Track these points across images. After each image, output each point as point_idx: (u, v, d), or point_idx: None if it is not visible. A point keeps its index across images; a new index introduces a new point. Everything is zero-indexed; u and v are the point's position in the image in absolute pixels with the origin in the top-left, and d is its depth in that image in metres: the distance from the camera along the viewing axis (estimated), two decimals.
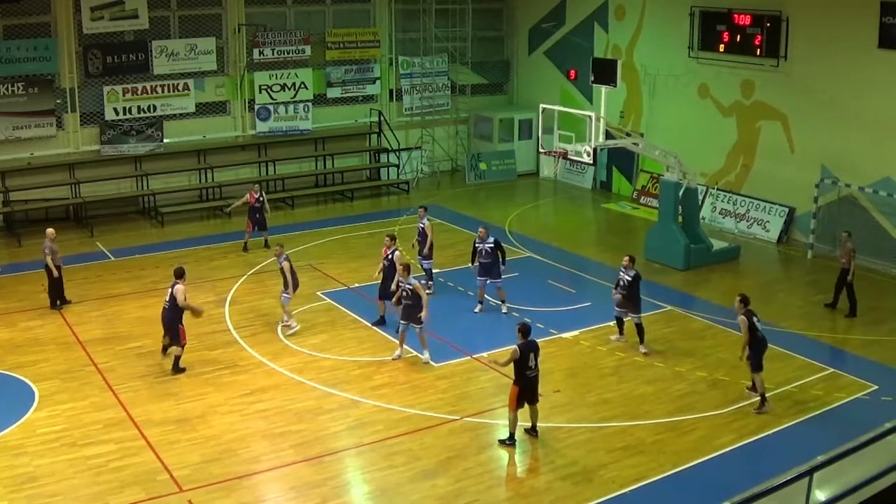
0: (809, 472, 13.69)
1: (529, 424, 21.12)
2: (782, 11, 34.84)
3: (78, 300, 29.89)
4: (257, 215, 34.58)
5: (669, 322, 28.07)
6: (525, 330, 20.77)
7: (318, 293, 30.26)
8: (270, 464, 20.15)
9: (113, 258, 34.03)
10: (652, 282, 31.34)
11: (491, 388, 23.65)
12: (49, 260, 28.84)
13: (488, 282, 28.74)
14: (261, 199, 34.54)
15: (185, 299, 24.56)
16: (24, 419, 22.06)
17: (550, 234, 36.47)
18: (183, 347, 24.71)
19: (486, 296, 28.88)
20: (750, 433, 21.25)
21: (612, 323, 27.19)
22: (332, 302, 29.56)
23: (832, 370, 24.59)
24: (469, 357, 25.32)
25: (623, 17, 42.27)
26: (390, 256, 27.07)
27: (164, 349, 25.51)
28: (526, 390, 20.64)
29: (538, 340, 23.81)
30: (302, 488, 19.21)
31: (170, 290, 24.64)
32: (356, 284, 30.71)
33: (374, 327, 27.40)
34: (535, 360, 20.65)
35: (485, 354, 24.92)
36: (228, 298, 29.91)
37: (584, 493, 18.96)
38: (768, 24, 35.38)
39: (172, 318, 24.61)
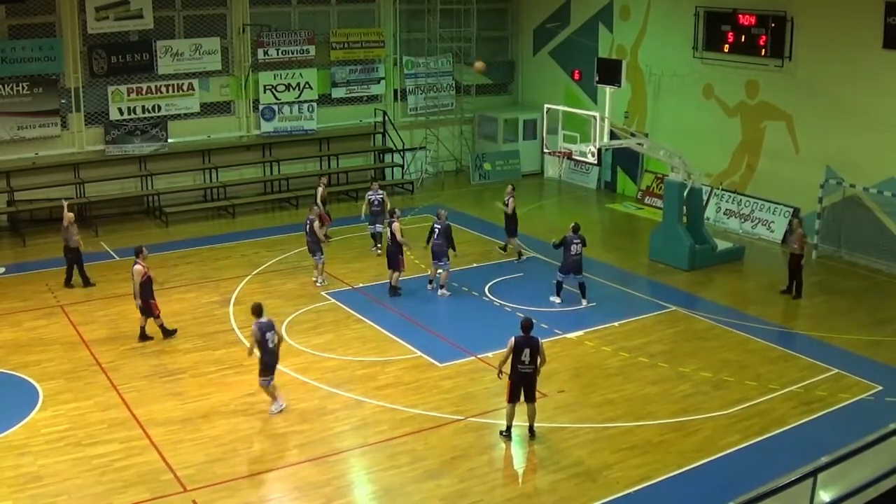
0: (814, 473, 13.69)
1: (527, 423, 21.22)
2: (787, 12, 34.80)
3: (82, 300, 29.93)
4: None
5: (674, 323, 28.05)
6: (526, 326, 20.78)
7: (323, 293, 30.28)
8: (274, 464, 20.19)
9: (117, 258, 34.02)
10: (656, 282, 31.43)
11: (495, 388, 23.56)
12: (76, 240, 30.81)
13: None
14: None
15: (139, 281, 26.07)
16: (29, 419, 22.08)
17: (555, 235, 36.30)
18: (158, 316, 26.28)
19: (490, 295, 28.96)
20: (755, 434, 21.24)
21: (617, 324, 27.28)
22: (336, 302, 29.57)
23: (837, 371, 24.54)
24: (474, 357, 25.31)
25: (628, 18, 42.26)
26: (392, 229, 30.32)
27: (141, 334, 26.32)
28: (520, 384, 20.72)
29: (544, 340, 23.90)
30: (306, 488, 19.21)
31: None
32: (360, 284, 30.73)
33: (376, 326, 27.39)
34: (531, 356, 20.54)
35: (490, 355, 25.03)
36: (233, 298, 29.92)
37: (588, 493, 18.95)
38: (773, 25, 35.34)
39: (140, 294, 26.20)
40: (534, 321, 21.13)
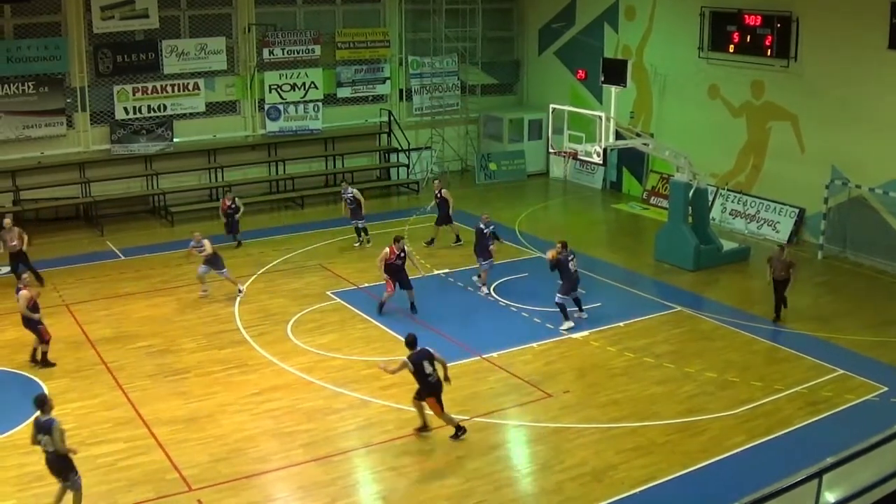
0: (819, 474, 13.68)
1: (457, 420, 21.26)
2: (792, 12, 34.75)
3: (87, 299, 29.97)
4: (230, 219, 35.19)
5: (679, 323, 28.02)
6: (410, 342, 20.86)
7: (328, 293, 30.30)
8: (279, 463, 20.18)
9: (123, 257, 34.08)
10: (662, 282, 31.40)
11: (500, 388, 23.65)
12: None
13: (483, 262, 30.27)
14: (234, 205, 35.13)
15: (25, 306, 24.94)
16: (34, 418, 22.07)
17: (560, 235, 36.08)
18: (47, 343, 25.22)
19: (496, 295, 28.95)
20: (760, 434, 21.21)
21: (622, 324, 27.31)
22: (341, 301, 29.58)
23: (842, 372, 24.49)
24: (479, 357, 25.28)
25: (633, 18, 42.21)
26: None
27: (32, 356, 25.47)
28: (433, 394, 20.71)
29: (549, 341, 23.96)
30: (311, 488, 19.23)
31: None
32: (365, 284, 30.69)
33: (381, 325, 27.40)
34: (432, 366, 20.58)
35: (495, 355, 25.06)
36: (238, 298, 29.92)
37: (593, 493, 18.94)
38: (779, 25, 35.29)
39: (27, 321, 25.16)
40: (415, 335, 21.11)
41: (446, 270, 32.07)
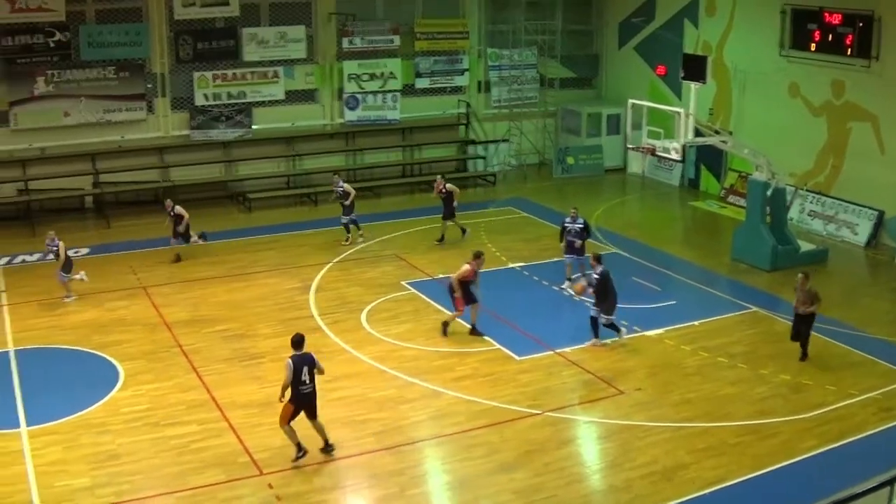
0: (892, 481, 13.57)
1: (321, 439, 20.21)
2: (874, 11, 34.30)
3: (165, 282, 30.37)
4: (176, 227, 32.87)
5: (754, 324, 27.78)
6: (296, 341, 19.69)
7: (403, 282, 30.43)
8: (350, 451, 20.30)
9: (200, 242, 34.40)
10: (738, 282, 31.15)
11: (572, 383, 23.61)
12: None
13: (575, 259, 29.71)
14: (172, 212, 32.72)
15: None
16: (109, 398, 22.48)
17: (636, 231, 36.27)
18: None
19: (570, 290, 28.90)
20: (832, 439, 20.95)
21: (697, 323, 27.14)
22: (416, 292, 29.69)
23: None
24: (552, 352, 25.25)
25: (714, 14, 41.85)
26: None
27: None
28: (299, 407, 19.59)
29: (623, 338, 23.78)
30: (381, 476, 19.35)
31: None
32: (440, 275, 30.68)
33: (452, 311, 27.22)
34: (310, 374, 19.50)
35: (568, 350, 25.07)
36: (314, 285, 30.13)
37: (663, 492, 18.85)
38: (860, 24, 34.84)
39: None
40: (303, 335, 20.01)
41: (521, 264, 32.04)
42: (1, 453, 20.05)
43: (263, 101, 41.81)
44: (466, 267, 25.98)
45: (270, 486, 18.89)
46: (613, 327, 25.64)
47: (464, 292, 26.12)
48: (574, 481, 19.40)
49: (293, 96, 42.63)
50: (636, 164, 46.23)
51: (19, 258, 33.11)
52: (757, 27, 39.55)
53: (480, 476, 19.41)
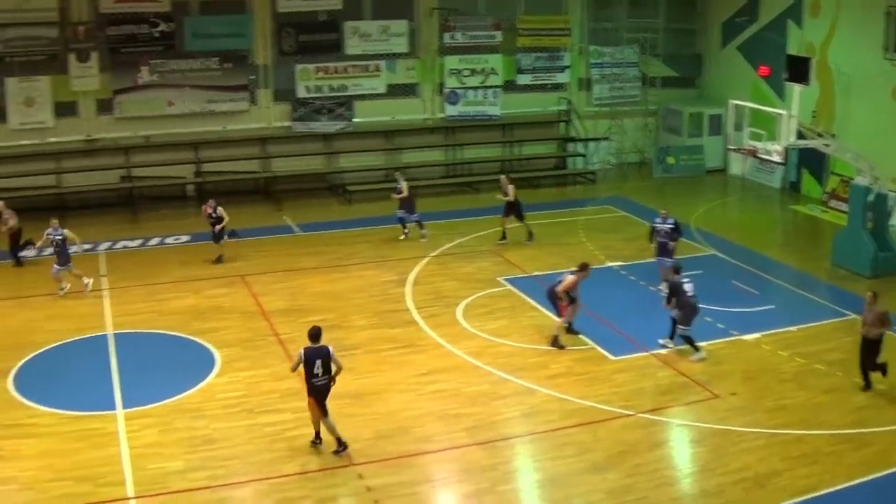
0: None
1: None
2: None
3: (263, 271, 30.59)
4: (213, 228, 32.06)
5: (852, 331, 27.10)
6: (314, 334, 19.62)
7: (499, 279, 30.33)
8: (442, 444, 20.27)
9: (300, 232, 34.63)
10: (837, 288, 30.54)
11: (667, 384, 23.32)
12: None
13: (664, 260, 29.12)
14: (214, 214, 31.81)
15: None
16: (205, 383, 22.71)
17: (736, 234, 35.79)
18: None
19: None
20: None
21: (794, 328, 26.65)
22: (512, 288, 29.57)
23: None
24: (647, 353, 25.01)
25: (818, 15, 41.11)
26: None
27: None
28: (316, 399, 19.61)
29: (719, 341, 23.44)
30: (472, 471, 19.25)
31: None
32: (537, 272, 30.58)
33: (551, 314, 26.94)
34: (323, 367, 19.44)
35: (663, 352, 24.83)
36: (411, 279, 30.16)
37: (756, 499, 18.50)
38: None
39: None
40: (320, 328, 19.89)
41: (619, 263, 31.80)
42: (97, 435, 20.31)
43: (365, 95, 42.00)
44: (571, 278, 25.48)
45: (360, 477, 18.89)
46: (689, 342, 24.79)
47: (570, 301, 25.80)
48: (665, 484, 19.15)
49: (394, 90, 42.79)
50: (737, 166, 45.61)
51: (121, 244, 33.61)
52: (861, 29, 38.79)
53: (572, 475, 19.23)
